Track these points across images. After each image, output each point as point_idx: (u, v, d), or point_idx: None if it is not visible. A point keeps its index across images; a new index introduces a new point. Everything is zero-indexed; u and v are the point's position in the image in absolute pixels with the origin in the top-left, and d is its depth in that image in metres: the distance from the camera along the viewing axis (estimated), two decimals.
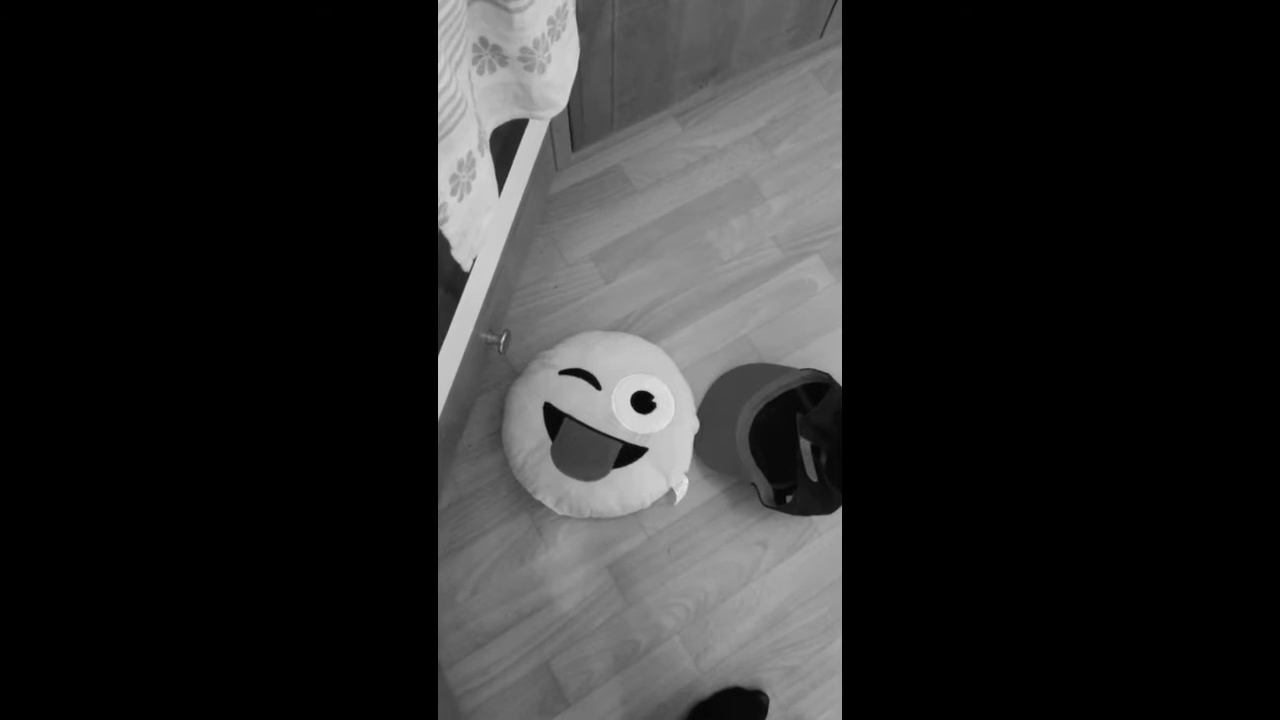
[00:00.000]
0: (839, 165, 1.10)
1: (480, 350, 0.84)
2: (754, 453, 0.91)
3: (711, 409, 0.95)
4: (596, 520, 0.89)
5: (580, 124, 0.95)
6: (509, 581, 0.87)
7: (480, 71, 0.53)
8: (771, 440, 0.92)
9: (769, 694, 0.83)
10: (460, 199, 0.49)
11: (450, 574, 0.87)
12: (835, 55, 1.17)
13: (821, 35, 1.10)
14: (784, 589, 0.88)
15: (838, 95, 1.15)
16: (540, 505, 0.89)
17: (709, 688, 0.84)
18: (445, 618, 0.85)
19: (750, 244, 1.05)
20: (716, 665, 0.85)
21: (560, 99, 0.60)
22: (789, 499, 0.88)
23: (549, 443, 0.87)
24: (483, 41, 0.52)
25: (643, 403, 0.90)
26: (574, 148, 1.01)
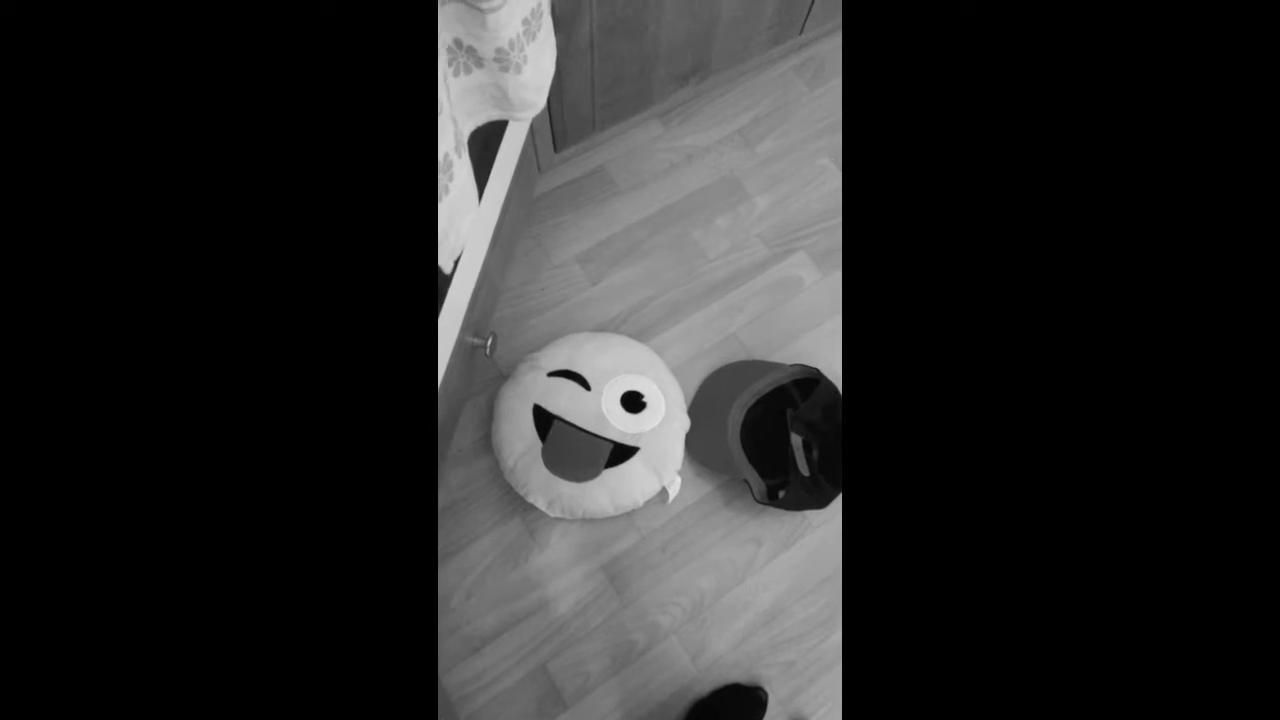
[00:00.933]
0: (823, 161, 1.11)
1: (467, 354, 0.84)
2: (745, 449, 0.91)
3: (702, 407, 0.95)
4: (589, 521, 0.89)
5: (562, 125, 0.95)
6: (504, 585, 0.86)
7: (456, 73, 0.53)
8: (763, 436, 0.92)
9: (768, 690, 0.83)
10: (438, 201, 0.49)
11: (444, 579, 0.86)
12: (816, 51, 1.18)
13: (801, 32, 1.10)
14: (779, 584, 0.88)
15: (820, 91, 1.15)
16: (533, 508, 0.88)
17: (708, 686, 0.84)
18: (440, 623, 0.84)
19: (736, 242, 1.05)
20: (714, 663, 0.85)
21: (538, 100, 0.60)
22: (781, 494, 0.88)
23: (539, 445, 0.87)
24: (457, 43, 0.52)
25: (633, 402, 0.90)
26: (557, 149, 1.01)
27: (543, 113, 0.90)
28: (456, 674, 0.83)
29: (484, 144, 0.74)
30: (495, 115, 0.59)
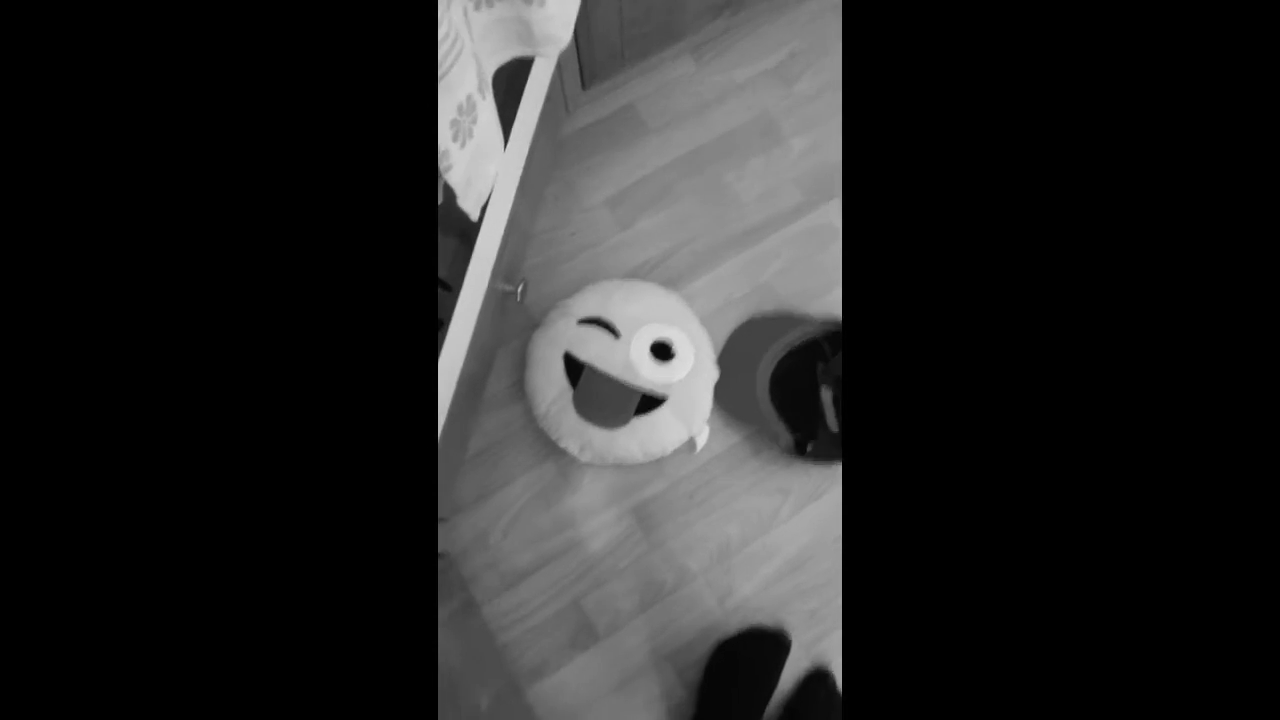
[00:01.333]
0: None
1: (498, 300, 0.84)
2: (775, 401, 0.91)
3: (731, 357, 0.94)
4: (620, 466, 0.91)
5: (590, 61, 0.92)
6: (538, 525, 0.89)
7: (477, 7, 0.51)
8: (792, 389, 0.91)
9: (791, 635, 0.86)
10: (463, 145, 0.48)
11: (482, 518, 0.90)
12: None
13: None
14: (805, 535, 0.89)
15: None
16: (565, 452, 0.90)
17: (733, 627, 0.86)
18: (478, 559, 0.88)
19: (770, 186, 1.01)
20: (740, 606, 0.87)
21: (563, 34, 0.57)
22: (810, 447, 0.88)
23: (570, 391, 0.88)
24: None
25: (662, 352, 0.89)
26: (584, 86, 0.98)
27: (569, 49, 0.87)
28: (494, 606, 0.87)
29: (509, 84, 0.72)
30: (520, 52, 0.57)
